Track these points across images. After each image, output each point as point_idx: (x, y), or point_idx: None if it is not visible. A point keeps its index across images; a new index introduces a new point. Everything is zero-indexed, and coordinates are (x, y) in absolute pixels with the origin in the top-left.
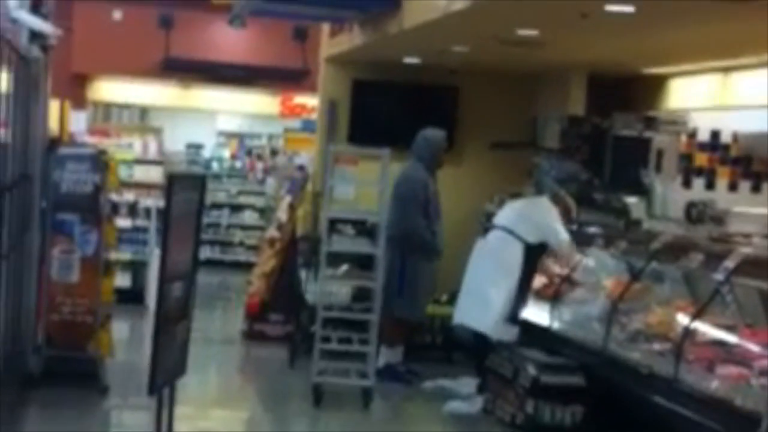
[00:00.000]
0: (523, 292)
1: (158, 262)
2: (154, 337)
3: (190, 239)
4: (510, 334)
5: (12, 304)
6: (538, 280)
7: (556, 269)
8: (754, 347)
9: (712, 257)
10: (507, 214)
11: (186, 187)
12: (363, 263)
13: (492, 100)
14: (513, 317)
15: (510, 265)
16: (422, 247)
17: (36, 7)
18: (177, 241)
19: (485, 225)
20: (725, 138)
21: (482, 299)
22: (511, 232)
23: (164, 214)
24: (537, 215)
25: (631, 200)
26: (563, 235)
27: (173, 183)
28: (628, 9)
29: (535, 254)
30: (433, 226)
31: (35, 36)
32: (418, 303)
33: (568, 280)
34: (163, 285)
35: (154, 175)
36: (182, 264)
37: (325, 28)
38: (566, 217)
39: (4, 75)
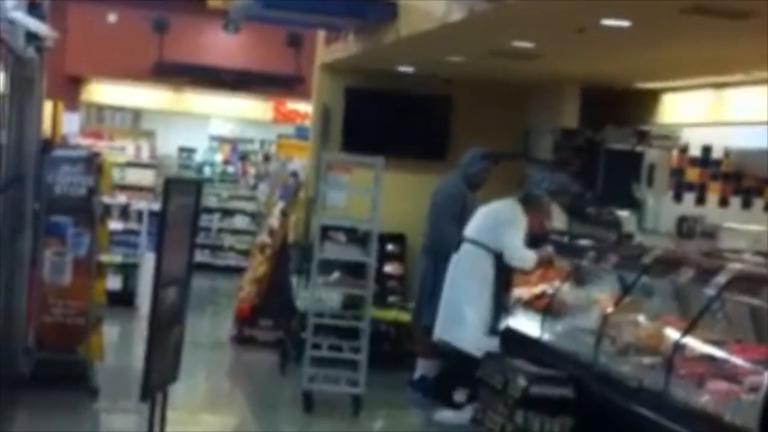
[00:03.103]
0: (500, 303)
1: (152, 266)
2: (148, 341)
3: (186, 244)
4: (490, 346)
5: (3, 306)
6: (529, 291)
7: (548, 281)
8: (743, 363)
9: (703, 272)
10: (474, 224)
11: (182, 191)
12: (354, 271)
13: (485, 110)
14: (493, 329)
15: (483, 279)
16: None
17: (32, 8)
18: (172, 245)
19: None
20: (717, 154)
21: (459, 317)
22: (478, 244)
23: (160, 219)
24: (498, 225)
25: (623, 214)
26: (516, 251)
27: (170, 187)
28: (624, 23)
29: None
30: None
31: (31, 37)
32: None
33: (560, 292)
34: (158, 289)
35: (147, 178)
36: (177, 269)
37: (321, 35)
38: (541, 223)
39: (1, 75)
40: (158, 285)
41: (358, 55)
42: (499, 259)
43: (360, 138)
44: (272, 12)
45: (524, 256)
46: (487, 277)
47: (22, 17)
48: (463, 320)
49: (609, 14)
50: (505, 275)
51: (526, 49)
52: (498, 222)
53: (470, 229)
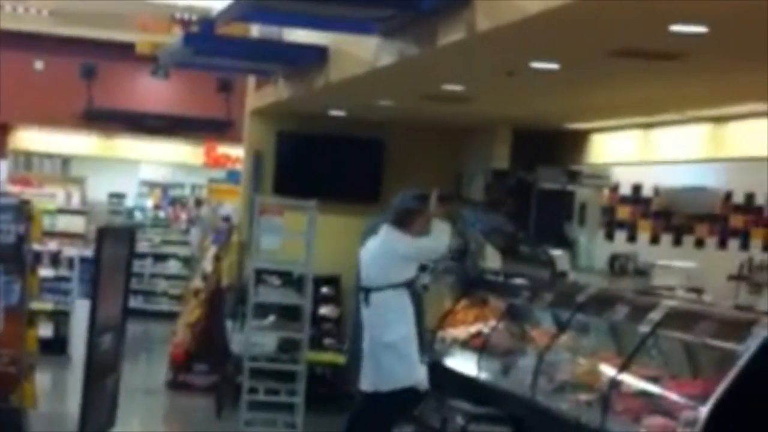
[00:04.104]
0: (421, 331)
1: (84, 313)
2: (84, 388)
3: (120, 291)
4: (425, 371)
5: None
6: (465, 330)
7: (484, 321)
8: (679, 398)
9: (637, 309)
10: (370, 272)
11: (116, 239)
12: (289, 314)
13: (418, 153)
14: (422, 353)
15: (405, 316)
16: None
17: None
18: (106, 293)
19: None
20: (647, 192)
21: (406, 355)
22: (384, 288)
23: (95, 267)
24: (399, 254)
25: (556, 252)
26: (429, 245)
27: (103, 235)
28: (553, 66)
29: (412, 288)
30: None
31: None
32: None
33: (496, 331)
34: (93, 337)
35: (77, 224)
36: (112, 316)
37: (251, 79)
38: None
39: None
40: (93, 333)
41: (288, 99)
42: (409, 288)
43: (292, 181)
44: (202, 58)
45: (439, 238)
46: (408, 311)
47: None
48: (406, 359)
49: (538, 57)
50: (418, 304)
51: (457, 92)
52: (390, 258)
53: (371, 278)
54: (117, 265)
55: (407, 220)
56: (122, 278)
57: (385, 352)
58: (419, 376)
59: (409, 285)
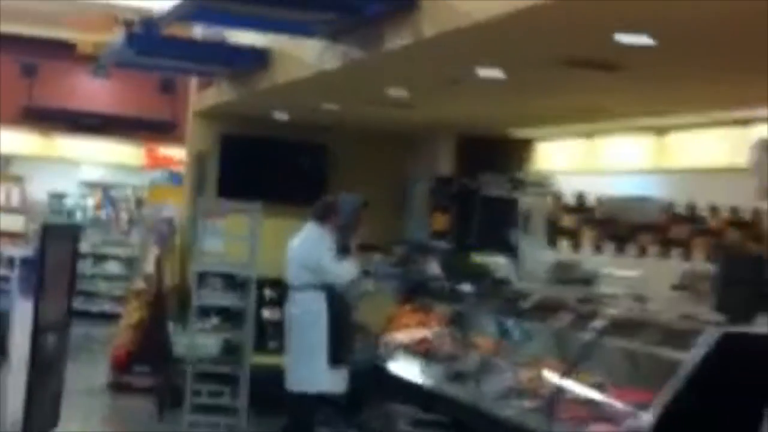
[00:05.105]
0: (339, 332)
1: (26, 314)
2: (27, 388)
3: (64, 291)
4: (339, 377)
5: None
6: (409, 335)
7: (428, 326)
8: (622, 406)
9: (580, 317)
10: (292, 272)
11: (60, 238)
12: (232, 317)
13: (363, 158)
14: (335, 358)
15: (319, 318)
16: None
17: None
18: (51, 292)
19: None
20: (590, 201)
21: (313, 360)
22: (304, 288)
23: (39, 265)
24: (310, 261)
25: (500, 260)
26: (337, 274)
27: (47, 233)
28: (498, 75)
29: (332, 292)
30: None
31: None
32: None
33: (440, 337)
34: (37, 336)
35: (17, 224)
36: (56, 315)
37: (194, 81)
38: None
39: None
40: (37, 331)
41: (231, 101)
42: (328, 290)
43: (236, 184)
44: (144, 58)
45: (343, 272)
46: (322, 314)
47: None
48: (313, 363)
49: (483, 64)
50: (341, 305)
51: (401, 97)
52: (309, 259)
53: (291, 277)
54: (61, 264)
55: (325, 214)
56: (66, 277)
57: (296, 353)
58: (327, 382)
59: (325, 288)
